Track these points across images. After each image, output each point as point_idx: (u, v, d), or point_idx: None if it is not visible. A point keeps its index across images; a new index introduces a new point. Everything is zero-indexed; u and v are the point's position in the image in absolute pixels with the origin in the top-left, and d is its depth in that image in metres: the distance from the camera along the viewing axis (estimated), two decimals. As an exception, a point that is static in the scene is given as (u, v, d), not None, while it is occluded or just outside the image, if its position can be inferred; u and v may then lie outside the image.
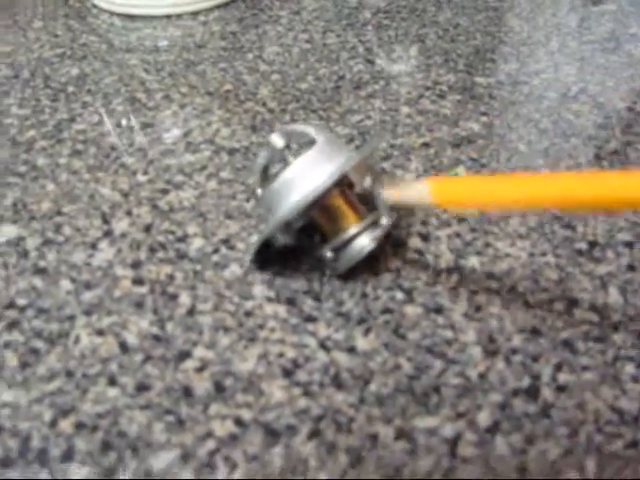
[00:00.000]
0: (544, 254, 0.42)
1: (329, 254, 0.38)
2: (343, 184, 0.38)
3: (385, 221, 0.38)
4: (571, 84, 0.59)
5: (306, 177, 0.37)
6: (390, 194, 0.37)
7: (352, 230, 0.38)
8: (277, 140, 0.39)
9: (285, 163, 0.39)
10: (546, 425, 0.33)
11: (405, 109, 0.55)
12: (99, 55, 0.63)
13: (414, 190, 0.36)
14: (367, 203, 0.39)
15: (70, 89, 0.58)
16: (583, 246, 0.43)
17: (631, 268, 0.41)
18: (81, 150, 0.50)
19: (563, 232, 0.43)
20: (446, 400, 0.34)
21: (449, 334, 0.37)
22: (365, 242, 0.38)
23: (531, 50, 0.65)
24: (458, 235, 0.43)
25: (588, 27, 0.69)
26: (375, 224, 0.38)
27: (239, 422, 0.33)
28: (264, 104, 0.55)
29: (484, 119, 0.54)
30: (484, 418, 0.33)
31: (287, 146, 0.39)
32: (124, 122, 0.53)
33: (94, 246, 0.42)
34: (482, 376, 0.35)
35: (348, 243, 0.38)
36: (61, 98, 0.57)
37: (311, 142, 0.38)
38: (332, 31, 0.67)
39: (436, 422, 0.33)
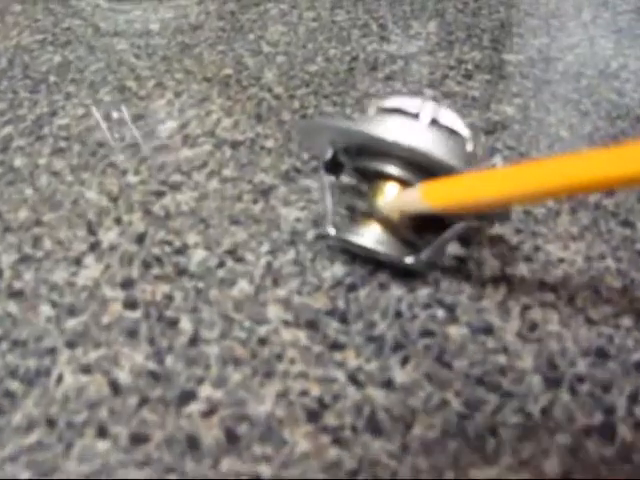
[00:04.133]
0: (602, 257, 0.36)
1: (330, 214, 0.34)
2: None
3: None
4: (610, 59, 0.53)
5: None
6: (387, 203, 0.33)
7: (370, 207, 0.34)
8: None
9: None
10: (628, 472, 0.27)
11: (429, 92, 0.49)
12: (84, 40, 0.57)
13: (408, 196, 0.32)
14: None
15: (52, 79, 0.52)
16: (647, 247, 0.37)
17: None
18: (64, 148, 0.44)
19: (621, 230, 0.38)
20: (505, 444, 0.28)
21: (502, 360, 0.31)
22: (365, 238, 0.33)
23: (561, 23, 0.58)
24: (501, 238, 0.37)
25: (621, -5, 0.63)
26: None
27: (257, 480, 0.27)
28: (269, 90, 0.49)
29: (518, 101, 0.48)
30: (552, 466, 0.27)
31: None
32: (112, 114, 0.47)
33: (78, 262, 0.36)
34: (545, 412, 0.29)
35: (359, 220, 0.34)
36: (42, 89, 0.51)
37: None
38: (341, 7, 0.61)
39: (496, 473, 0.27)
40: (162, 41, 0.56)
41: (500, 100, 0.48)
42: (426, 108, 0.33)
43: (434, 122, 0.33)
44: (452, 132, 0.34)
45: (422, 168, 0.32)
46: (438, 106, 0.34)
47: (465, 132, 0.34)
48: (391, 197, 0.33)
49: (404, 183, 0.33)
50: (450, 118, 0.34)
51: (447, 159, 0.31)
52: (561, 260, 0.36)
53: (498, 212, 0.33)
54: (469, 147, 0.34)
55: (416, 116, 0.33)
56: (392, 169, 0.33)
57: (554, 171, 0.26)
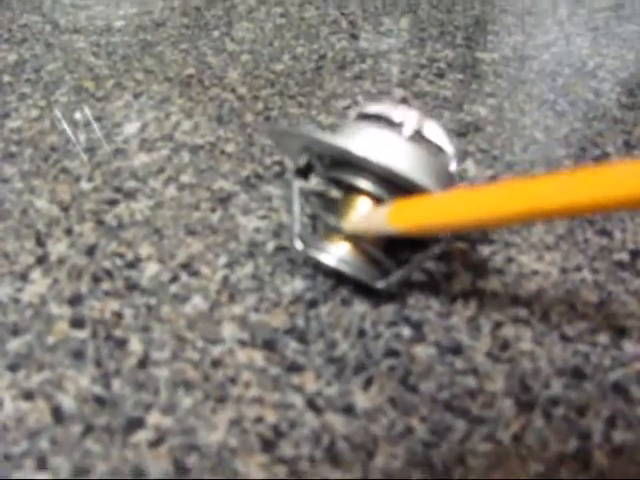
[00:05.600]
0: (579, 269, 0.34)
1: (297, 228, 0.32)
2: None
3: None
4: (586, 58, 0.51)
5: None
6: (353, 224, 0.31)
7: (339, 225, 0.31)
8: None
9: None
10: (604, 504, 0.25)
11: (399, 92, 0.47)
12: (42, 38, 0.54)
13: (374, 217, 0.30)
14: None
15: (5, 79, 0.49)
16: (624, 257, 0.35)
17: (689, 286, 0.33)
18: (15, 153, 0.42)
19: (598, 240, 0.36)
20: (474, 473, 0.26)
21: (471, 382, 0.29)
22: (331, 257, 0.30)
23: (537, 20, 0.57)
24: (472, 249, 0.35)
25: (599, -9, 0.61)
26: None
27: (206, 518, 0.25)
28: (232, 90, 0.47)
29: (491, 101, 0.46)
30: (524, 499, 0.26)
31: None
32: (68, 116, 0.44)
33: (24, 277, 0.34)
34: (517, 438, 0.27)
35: (327, 235, 0.32)
36: (-6, 90, 0.48)
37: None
38: (310, 3, 0.59)
39: (463, 508, 0.25)
40: (123, 39, 0.54)
41: (473, 100, 0.46)
42: (410, 119, 0.31)
43: (417, 134, 0.31)
44: (435, 148, 0.32)
45: (397, 185, 0.30)
46: (423, 117, 0.32)
47: (449, 149, 0.32)
48: (358, 216, 0.31)
49: (378, 199, 0.31)
50: (435, 132, 0.32)
51: (422, 179, 0.29)
52: (535, 272, 0.34)
53: (478, 235, 0.31)
54: (452, 166, 0.32)
55: (398, 126, 0.31)
56: (364, 184, 0.31)
57: (527, 194, 0.24)
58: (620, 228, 0.36)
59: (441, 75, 0.49)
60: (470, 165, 0.40)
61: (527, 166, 0.40)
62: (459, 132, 0.43)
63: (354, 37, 0.53)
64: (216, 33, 0.54)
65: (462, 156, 0.41)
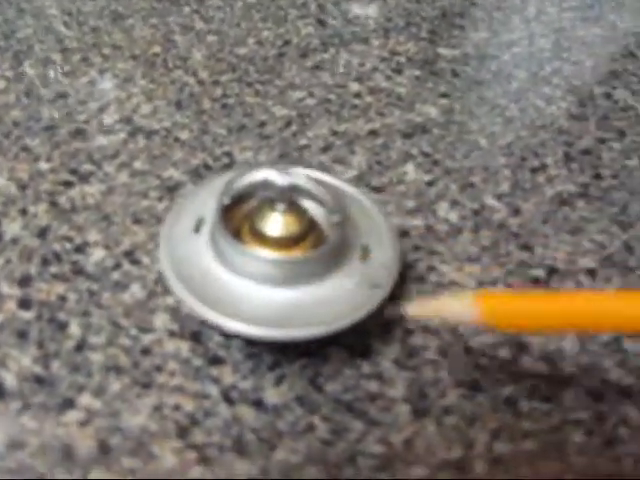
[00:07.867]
0: (494, 283, 0.37)
1: None
2: None
3: None
4: (545, 62, 0.53)
5: None
6: (416, 309, 0.28)
7: None
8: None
9: None
10: (475, 507, 0.29)
11: (354, 86, 0.49)
12: (14, 1, 0.55)
13: (453, 305, 0.27)
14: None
15: (-23, 43, 0.51)
16: (540, 273, 0.38)
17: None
18: (-23, 126, 0.44)
19: (519, 254, 0.38)
20: (361, 472, 0.29)
21: (374, 387, 0.32)
22: None
23: (505, 16, 0.58)
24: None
25: (570, -10, 0.63)
26: None
27: (120, 495, 0.28)
28: (194, 73, 0.49)
29: (443, 102, 0.48)
30: (404, 498, 0.29)
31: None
32: (34, 90, 0.46)
33: (-22, 253, 0.36)
34: (407, 443, 0.30)
35: None
36: (-36, 55, 0.50)
37: None
38: (284, -18, 0.60)
39: (348, 504, 0.28)
40: (95, 7, 0.55)
41: (425, 100, 0.48)
42: None
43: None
44: None
45: None
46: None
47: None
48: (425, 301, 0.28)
49: None
50: None
51: None
52: (453, 282, 0.37)
53: None
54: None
55: None
56: None
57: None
58: (542, 244, 0.39)
59: (399, 70, 0.51)
60: (410, 168, 0.42)
61: (465, 173, 0.42)
62: (405, 133, 0.45)
63: (321, 23, 0.55)
64: (187, 9, 0.55)
65: (404, 158, 0.43)
